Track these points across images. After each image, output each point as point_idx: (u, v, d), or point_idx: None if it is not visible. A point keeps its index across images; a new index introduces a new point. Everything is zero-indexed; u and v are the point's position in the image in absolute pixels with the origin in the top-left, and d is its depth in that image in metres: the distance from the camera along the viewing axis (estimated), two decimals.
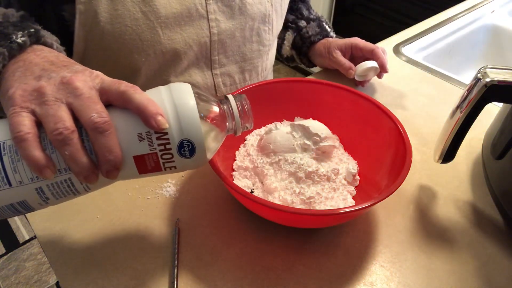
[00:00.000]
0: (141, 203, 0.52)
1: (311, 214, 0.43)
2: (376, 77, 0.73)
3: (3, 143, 0.32)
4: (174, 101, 0.34)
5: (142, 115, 0.33)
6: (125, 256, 0.46)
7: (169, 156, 0.35)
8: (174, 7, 0.54)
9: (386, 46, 0.84)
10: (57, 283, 1.31)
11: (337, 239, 0.48)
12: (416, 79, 0.78)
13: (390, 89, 0.75)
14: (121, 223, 0.49)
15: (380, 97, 0.72)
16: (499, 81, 0.43)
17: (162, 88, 0.36)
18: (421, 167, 0.59)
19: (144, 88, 0.35)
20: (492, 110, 0.58)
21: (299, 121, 0.55)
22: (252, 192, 0.52)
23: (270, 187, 0.50)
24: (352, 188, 0.52)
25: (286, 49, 0.80)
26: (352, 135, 0.57)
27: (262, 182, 0.52)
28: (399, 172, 0.44)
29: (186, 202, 0.52)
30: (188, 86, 0.36)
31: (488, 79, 0.43)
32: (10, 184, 0.31)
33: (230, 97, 0.40)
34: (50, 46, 0.41)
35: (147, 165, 0.34)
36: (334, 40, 0.75)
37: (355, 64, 0.71)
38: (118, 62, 0.56)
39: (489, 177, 0.52)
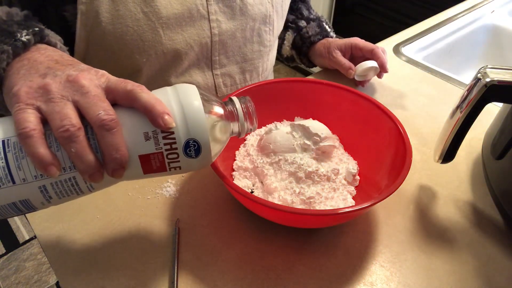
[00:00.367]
0: (141, 203, 0.52)
1: (311, 214, 0.43)
2: (376, 77, 0.73)
3: (8, 139, 0.31)
4: (180, 101, 0.35)
5: (149, 114, 0.33)
6: (125, 256, 0.46)
7: (175, 156, 0.35)
8: (175, 8, 0.54)
9: (386, 46, 0.84)
10: (57, 283, 1.31)
11: (337, 239, 0.48)
12: (416, 79, 0.78)
13: (390, 89, 0.75)
14: (121, 223, 0.49)
15: (380, 97, 0.72)
16: (499, 81, 0.43)
17: (168, 89, 0.36)
18: (421, 167, 0.59)
19: (147, 88, 0.36)
20: (492, 110, 0.58)
21: (299, 121, 0.55)
22: (252, 192, 0.52)
23: (270, 187, 0.50)
24: (352, 188, 0.52)
25: (286, 49, 0.81)
26: (352, 135, 0.57)
27: (262, 182, 0.52)
28: (399, 172, 0.44)
29: (186, 202, 0.52)
30: (194, 87, 0.37)
31: (488, 79, 0.43)
32: (13, 182, 0.31)
33: (235, 99, 0.41)
34: (54, 45, 0.41)
35: (152, 164, 0.35)
36: (334, 40, 0.75)
37: (355, 64, 0.71)
38: (119, 62, 0.56)
39: (489, 177, 0.52)
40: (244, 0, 0.60)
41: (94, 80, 0.33)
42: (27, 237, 1.46)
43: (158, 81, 0.60)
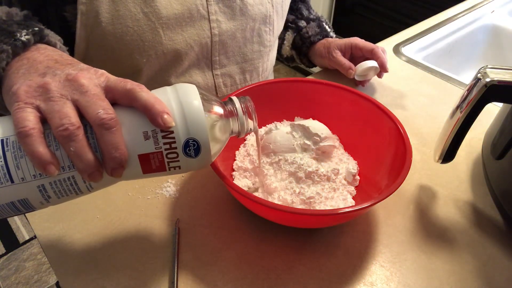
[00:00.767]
0: (141, 203, 0.52)
1: (311, 214, 0.43)
2: (376, 77, 0.73)
3: (7, 139, 0.31)
4: (180, 101, 0.35)
5: (149, 113, 0.33)
6: (125, 256, 0.46)
7: (174, 155, 0.35)
8: (175, 8, 0.54)
9: (386, 46, 0.84)
10: (57, 283, 1.31)
11: (337, 239, 0.48)
12: (416, 79, 0.78)
13: (390, 89, 0.75)
14: (121, 223, 0.49)
15: (380, 97, 0.72)
16: (499, 81, 0.43)
17: (168, 88, 0.36)
18: (421, 167, 0.59)
19: (146, 88, 0.36)
20: (492, 110, 0.58)
21: (299, 121, 0.55)
22: (257, 189, 0.52)
23: (270, 187, 0.50)
24: (352, 188, 0.52)
25: (286, 49, 0.81)
26: (352, 135, 0.57)
27: (262, 182, 0.52)
28: (399, 172, 0.44)
29: (186, 202, 0.52)
30: (194, 86, 0.37)
31: (488, 79, 0.43)
32: (12, 181, 0.31)
33: (234, 98, 0.41)
34: (53, 45, 0.41)
35: (151, 164, 0.35)
36: (334, 40, 0.75)
37: (355, 64, 0.71)
38: (119, 62, 0.56)
39: (489, 177, 0.52)
40: (244, 0, 0.60)
41: (93, 79, 0.33)
42: (27, 237, 1.46)
43: (158, 81, 0.60)
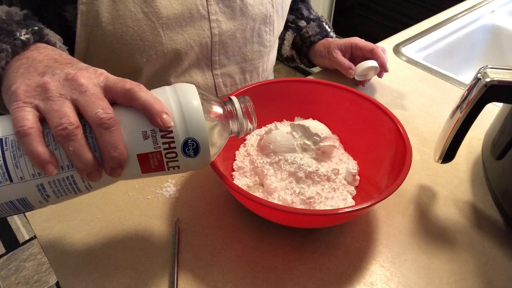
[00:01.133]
0: (141, 203, 0.52)
1: (311, 214, 0.43)
2: (376, 77, 0.73)
3: (6, 138, 0.31)
4: (179, 101, 0.35)
5: (148, 113, 0.33)
6: (125, 256, 0.46)
7: (173, 155, 0.35)
8: (175, 8, 0.54)
9: (386, 46, 0.84)
10: (57, 283, 1.31)
11: (337, 239, 0.48)
12: (416, 79, 0.78)
13: (390, 89, 0.75)
14: (121, 223, 0.49)
15: (380, 97, 0.72)
16: (499, 81, 0.43)
17: (167, 88, 0.36)
18: (421, 167, 0.59)
19: (146, 88, 0.36)
20: (492, 110, 0.58)
21: (299, 121, 0.55)
22: (253, 189, 0.52)
23: (270, 187, 0.50)
24: (352, 188, 0.52)
25: (286, 49, 0.81)
26: (352, 135, 0.57)
27: (262, 182, 0.52)
28: (399, 172, 0.44)
29: (186, 202, 0.52)
30: (193, 86, 0.37)
31: (488, 79, 0.43)
32: (11, 180, 0.31)
33: (234, 98, 0.41)
34: (53, 44, 0.41)
35: (150, 164, 0.35)
36: (334, 40, 0.75)
37: (355, 64, 0.71)
38: (119, 62, 0.56)
39: (489, 177, 0.52)
40: (244, 0, 0.60)
41: (92, 78, 0.33)
42: (27, 237, 1.46)
43: (158, 81, 0.60)
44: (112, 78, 0.34)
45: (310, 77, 0.76)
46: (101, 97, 0.32)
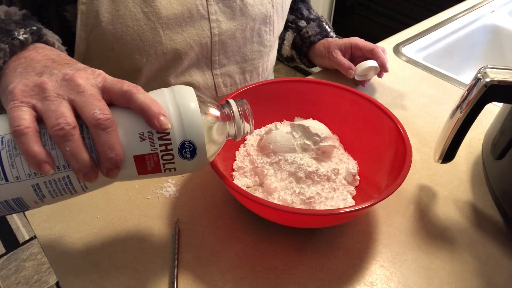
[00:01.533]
0: (141, 203, 0.52)
1: (311, 214, 0.43)
2: (376, 77, 0.73)
3: (2, 137, 0.31)
4: (177, 103, 0.35)
5: (145, 115, 0.33)
6: (125, 256, 0.46)
7: (170, 157, 0.35)
8: (175, 8, 0.54)
9: (386, 46, 0.84)
10: (57, 283, 1.31)
11: (337, 239, 0.48)
12: (416, 79, 0.78)
13: (390, 89, 0.75)
14: (121, 223, 0.49)
15: (380, 97, 0.72)
16: (499, 81, 0.43)
17: (165, 90, 0.36)
18: (421, 167, 0.59)
19: (145, 88, 0.36)
20: (492, 110, 0.58)
21: (299, 121, 0.55)
22: (253, 189, 0.52)
23: (270, 187, 0.50)
24: (352, 188, 0.52)
25: (286, 49, 0.81)
26: (352, 135, 0.57)
27: (262, 182, 0.52)
28: (399, 172, 0.44)
29: (186, 202, 0.52)
30: (191, 89, 0.37)
31: (488, 79, 0.43)
32: (6, 179, 0.31)
33: (231, 101, 0.41)
34: (51, 44, 0.41)
35: (147, 165, 0.34)
36: (334, 40, 0.75)
37: (355, 64, 0.71)
38: (119, 62, 0.56)
39: (489, 177, 0.52)
40: (244, 0, 0.60)
41: (90, 79, 0.33)
42: (27, 237, 1.46)
43: (158, 81, 0.60)
44: (110, 79, 0.34)
45: (310, 77, 0.76)
46: (99, 98, 0.32)
